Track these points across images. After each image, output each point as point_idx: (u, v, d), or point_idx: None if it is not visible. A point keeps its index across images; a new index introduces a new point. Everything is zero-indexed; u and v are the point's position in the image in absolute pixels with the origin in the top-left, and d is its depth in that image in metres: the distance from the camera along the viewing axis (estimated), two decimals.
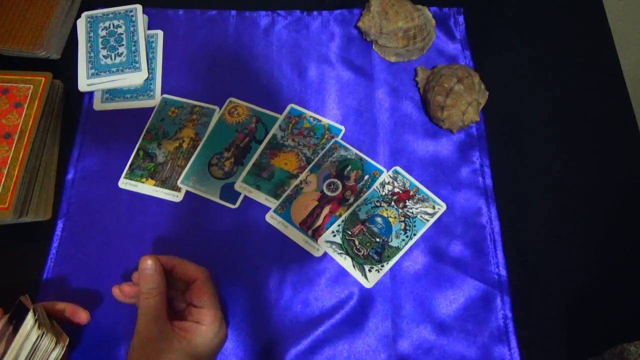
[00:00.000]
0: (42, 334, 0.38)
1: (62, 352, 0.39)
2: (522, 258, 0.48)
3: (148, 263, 0.38)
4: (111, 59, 0.55)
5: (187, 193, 0.50)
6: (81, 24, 0.57)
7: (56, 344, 0.39)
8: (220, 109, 0.54)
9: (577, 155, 0.53)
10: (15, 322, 0.38)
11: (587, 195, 0.51)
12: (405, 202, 0.49)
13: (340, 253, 0.47)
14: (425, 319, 0.45)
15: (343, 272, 0.47)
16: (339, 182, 0.50)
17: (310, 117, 0.54)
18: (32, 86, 0.50)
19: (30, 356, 0.38)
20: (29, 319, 0.38)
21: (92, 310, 0.44)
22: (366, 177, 0.50)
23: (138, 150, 0.52)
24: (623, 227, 0.50)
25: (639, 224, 0.50)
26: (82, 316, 0.42)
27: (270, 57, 0.57)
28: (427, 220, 0.49)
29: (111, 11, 0.57)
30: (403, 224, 0.48)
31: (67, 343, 0.40)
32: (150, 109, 0.54)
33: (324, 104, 0.55)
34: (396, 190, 0.50)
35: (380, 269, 0.47)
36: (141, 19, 0.57)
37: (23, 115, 0.49)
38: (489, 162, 0.52)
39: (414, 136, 0.53)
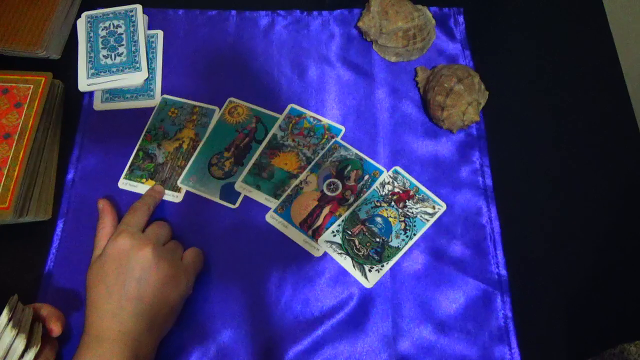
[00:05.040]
0: (15, 335, 0.37)
1: (32, 358, 0.38)
2: (522, 258, 0.48)
3: (99, 205, 0.47)
4: (111, 59, 0.55)
5: (187, 193, 0.50)
6: (81, 24, 0.57)
7: (27, 347, 0.37)
8: (220, 109, 0.54)
9: (577, 155, 0.53)
10: None
11: (587, 195, 0.51)
12: (405, 202, 0.49)
13: (340, 253, 0.47)
14: (425, 319, 0.45)
15: (343, 272, 0.47)
16: (339, 182, 0.50)
17: (310, 117, 0.54)
18: (32, 86, 0.50)
19: (4, 357, 0.37)
20: (3, 317, 0.37)
21: None
22: (366, 177, 0.50)
23: (138, 150, 0.52)
24: (623, 226, 0.50)
25: (639, 224, 0.50)
26: (53, 328, 0.41)
27: (270, 57, 0.57)
28: (427, 220, 0.49)
29: (111, 11, 0.57)
30: (403, 224, 0.48)
31: (41, 347, 0.39)
32: (150, 109, 0.54)
33: (324, 104, 0.55)
34: (396, 190, 0.50)
35: (380, 269, 0.47)
36: (141, 19, 0.57)
37: (23, 115, 0.49)
38: (489, 162, 0.52)
39: (414, 136, 0.53)
